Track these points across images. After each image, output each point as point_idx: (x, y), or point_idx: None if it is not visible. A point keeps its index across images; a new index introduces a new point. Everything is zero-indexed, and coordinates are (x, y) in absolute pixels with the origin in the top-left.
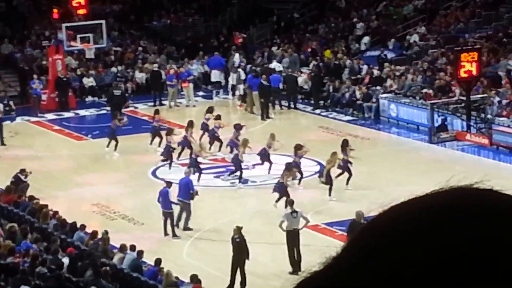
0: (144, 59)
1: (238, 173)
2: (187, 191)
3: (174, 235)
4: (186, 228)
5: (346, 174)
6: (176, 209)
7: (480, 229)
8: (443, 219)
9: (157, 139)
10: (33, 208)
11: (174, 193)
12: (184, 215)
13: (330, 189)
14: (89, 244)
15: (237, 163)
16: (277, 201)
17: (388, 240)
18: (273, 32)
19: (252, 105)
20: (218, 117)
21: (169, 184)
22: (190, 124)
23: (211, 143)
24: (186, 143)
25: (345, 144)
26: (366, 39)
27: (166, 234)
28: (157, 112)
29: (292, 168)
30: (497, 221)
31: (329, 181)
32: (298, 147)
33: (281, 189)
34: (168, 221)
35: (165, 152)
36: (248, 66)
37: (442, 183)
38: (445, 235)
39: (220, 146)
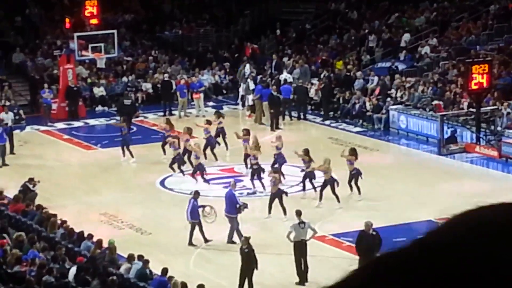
0: (155, 69)
1: (255, 183)
2: (232, 205)
3: (190, 243)
4: (230, 241)
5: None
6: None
7: None
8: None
9: (166, 149)
10: (41, 217)
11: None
12: (229, 229)
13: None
14: (95, 253)
15: (258, 173)
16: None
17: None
18: (281, 43)
19: (261, 115)
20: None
21: (196, 194)
22: (188, 130)
23: (211, 147)
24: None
25: (354, 153)
26: (406, 36)
27: (190, 243)
28: (168, 121)
29: (276, 171)
30: None
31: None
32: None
33: (277, 196)
34: (196, 230)
35: (175, 161)
36: (259, 77)
37: (460, 195)
38: (502, 251)
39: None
